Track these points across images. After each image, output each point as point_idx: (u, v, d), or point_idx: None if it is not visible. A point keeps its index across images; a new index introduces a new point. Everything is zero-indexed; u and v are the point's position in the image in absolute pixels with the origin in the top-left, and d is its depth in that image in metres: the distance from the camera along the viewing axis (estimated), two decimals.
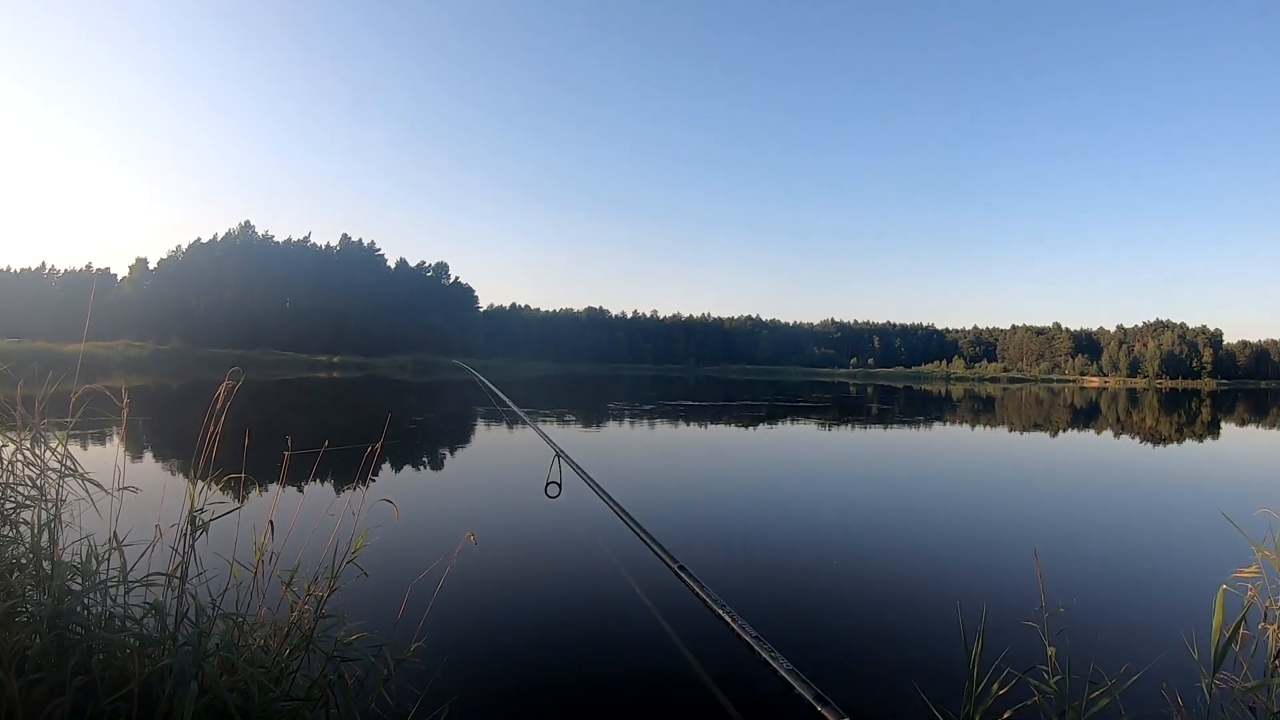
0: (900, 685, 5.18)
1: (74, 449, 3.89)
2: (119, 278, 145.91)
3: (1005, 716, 4.10)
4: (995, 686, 3.93)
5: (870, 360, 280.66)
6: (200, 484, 3.85)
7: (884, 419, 36.61)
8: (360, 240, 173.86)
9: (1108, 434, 32.63)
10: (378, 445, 4.78)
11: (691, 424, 27.71)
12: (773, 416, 34.00)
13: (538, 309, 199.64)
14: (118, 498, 3.80)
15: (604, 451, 19.88)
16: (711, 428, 27.04)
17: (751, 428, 27.95)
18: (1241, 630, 4.07)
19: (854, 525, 10.92)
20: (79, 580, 3.52)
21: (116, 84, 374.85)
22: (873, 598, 7.64)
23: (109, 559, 3.59)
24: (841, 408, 43.99)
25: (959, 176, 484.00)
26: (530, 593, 7.36)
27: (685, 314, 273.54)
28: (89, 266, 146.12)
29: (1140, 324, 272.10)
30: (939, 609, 7.07)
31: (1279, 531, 4.44)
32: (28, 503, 3.65)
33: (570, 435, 23.48)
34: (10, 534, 3.67)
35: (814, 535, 10.21)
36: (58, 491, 3.69)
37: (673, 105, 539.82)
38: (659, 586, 7.62)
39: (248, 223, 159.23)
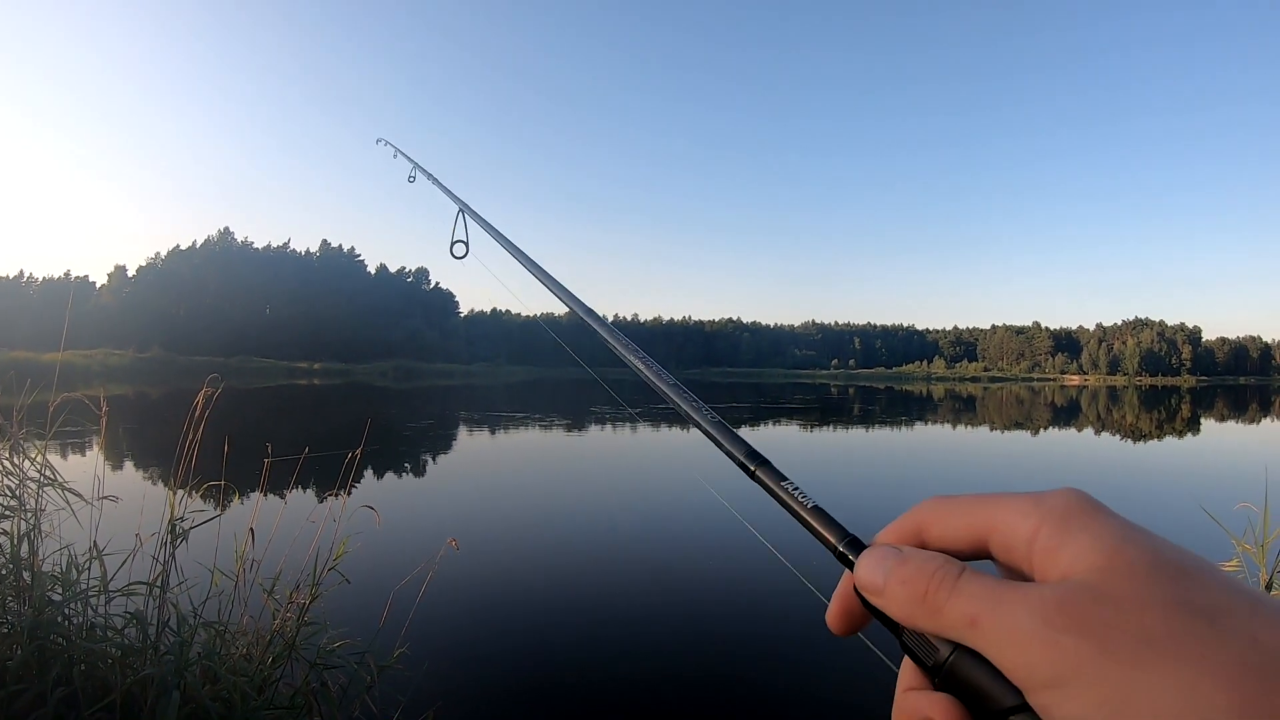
0: (884, 681, 5.20)
1: (53, 458, 3.87)
2: (98, 285, 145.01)
3: None
4: None
5: (851, 361, 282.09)
6: (180, 492, 3.83)
7: (867, 420, 36.75)
8: (340, 246, 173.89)
9: (1088, 431, 32.84)
10: (358, 451, 4.77)
11: (674, 428, 27.74)
12: (757, 418, 34.04)
13: (518, 314, 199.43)
14: (97, 507, 3.78)
15: (599, 455, 19.92)
16: (696, 430, 26.99)
17: (735, 429, 27.94)
18: None
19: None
20: (59, 590, 3.50)
21: (94, 89, 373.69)
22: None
23: (89, 569, 3.57)
24: (825, 410, 44.09)
25: (939, 178, 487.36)
26: (512, 598, 7.36)
27: (666, 317, 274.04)
28: (68, 274, 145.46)
29: (1119, 322, 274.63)
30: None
31: (1259, 526, 4.47)
32: (7, 513, 3.62)
33: (558, 440, 23.46)
34: None
35: (796, 534, 10.20)
36: (37, 501, 3.67)
37: (654, 109, 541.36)
38: (641, 591, 7.63)
39: (227, 229, 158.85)
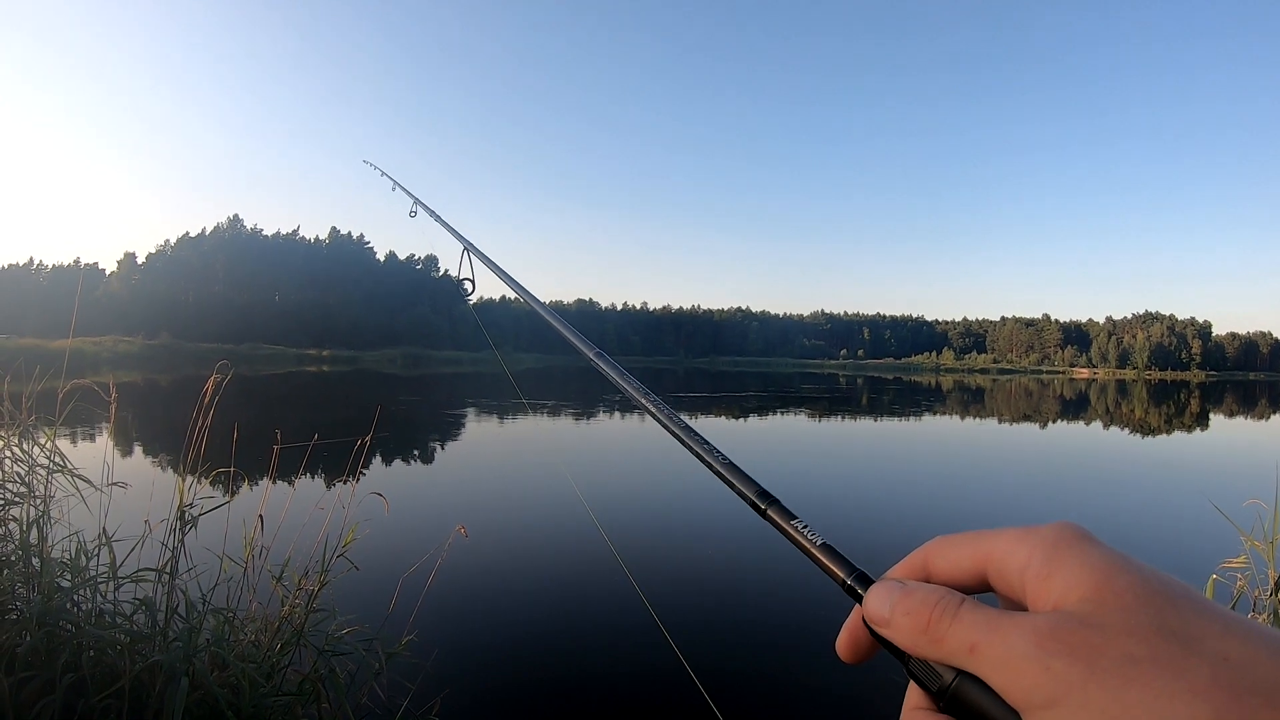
0: (883, 673, 5.20)
1: (62, 445, 3.87)
2: (107, 273, 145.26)
3: None
4: None
5: (860, 351, 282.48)
6: (189, 479, 3.82)
7: (874, 410, 36.73)
8: (350, 233, 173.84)
9: (1097, 425, 32.82)
10: (367, 438, 4.76)
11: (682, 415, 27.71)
12: (763, 408, 34.08)
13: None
14: (107, 493, 3.78)
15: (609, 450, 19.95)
16: (703, 420, 27.00)
17: (741, 419, 27.98)
18: None
19: (833, 515, 10.93)
20: (68, 577, 3.50)
21: (106, 76, 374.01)
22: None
23: (98, 555, 3.57)
24: (832, 400, 44.09)
25: (950, 168, 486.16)
26: (521, 585, 7.37)
27: (675, 306, 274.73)
28: (77, 261, 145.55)
29: (1129, 315, 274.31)
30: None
31: (1268, 521, 4.45)
32: (16, 499, 3.62)
33: (568, 428, 23.48)
34: None
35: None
36: (46, 488, 3.67)
37: (664, 95, 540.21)
38: (651, 578, 7.63)
39: (236, 216, 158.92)
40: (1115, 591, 0.42)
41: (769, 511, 0.67)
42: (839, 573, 0.59)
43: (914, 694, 0.51)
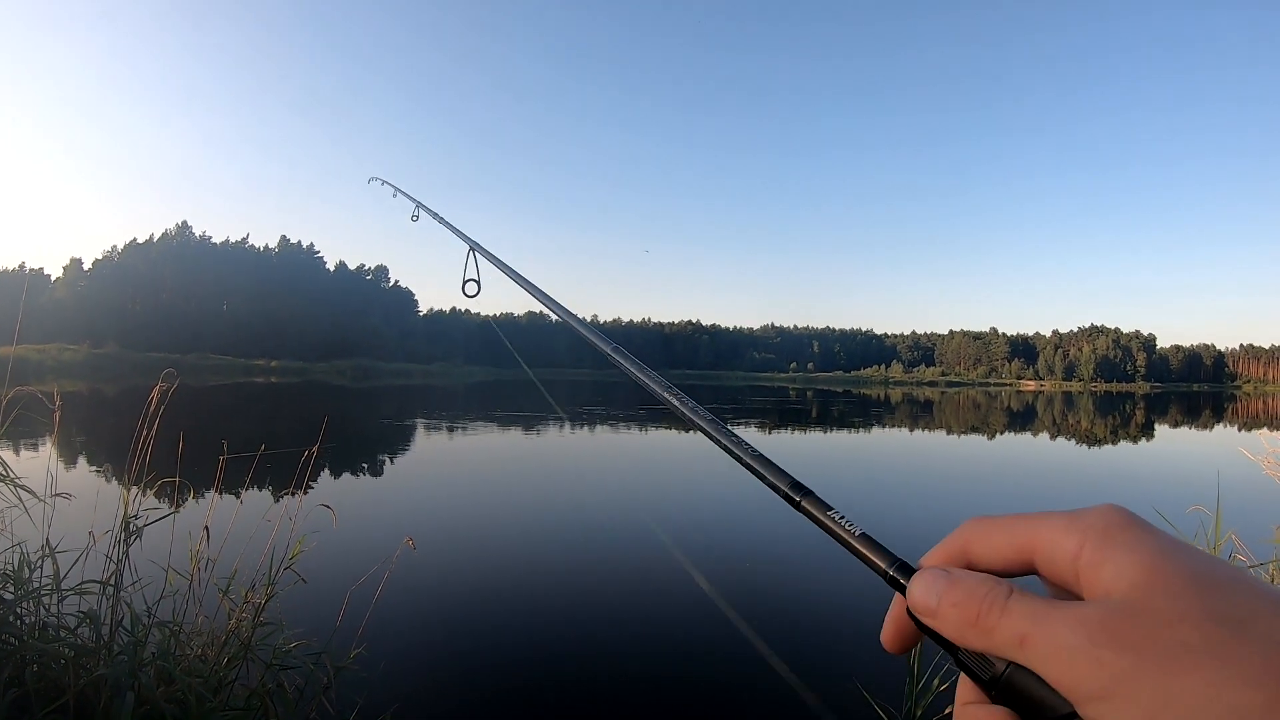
0: (842, 683, 5.23)
1: (5, 454, 3.81)
2: (53, 279, 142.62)
3: (946, 711, 4.15)
4: (936, 682, 4.02)
5: (810, 365, 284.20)
6: (134, 490, 3.78)
7: (825, 422, 36.95)
8: (299, 242, 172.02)
9: (1044, 436, 33.18)
10: (315, 449, 4.73)
11: (632, 429, 27.62)
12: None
13: (478, 313, 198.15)
14: (50, 504, 3.73)
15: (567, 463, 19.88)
16: (662, 432, 27.01)
17: (686, 433, 27.97)
18: None
19: (790, 525, 10.98)
20: (11, 589, 3.44)
21: (50, 76, 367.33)
22: (813, 596, 7.70)
23: (42, 567, 3.51)
24: (782, 412, 44.26)
25: (898, 184, 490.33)
26: (470, 597, 7.34)
27: (625, 319, 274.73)
28: (22, 266, 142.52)
29: (1075, 329, 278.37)
30: (879, 607, 7.13)
31: (1210, 528, 4.54)
32: None
33: (516, 440, 23.39)
34: None
35: (757, 534, 10.26)
36: None
37: (608, 105, 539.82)
38: (601, 591, 7.63)
39: (185, 223, 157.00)
40: (1165, 578, 0.41)
41: (803, 503, 0.65)
42: (879, 563, 0.57)
43: (965, 687, 0.51)
